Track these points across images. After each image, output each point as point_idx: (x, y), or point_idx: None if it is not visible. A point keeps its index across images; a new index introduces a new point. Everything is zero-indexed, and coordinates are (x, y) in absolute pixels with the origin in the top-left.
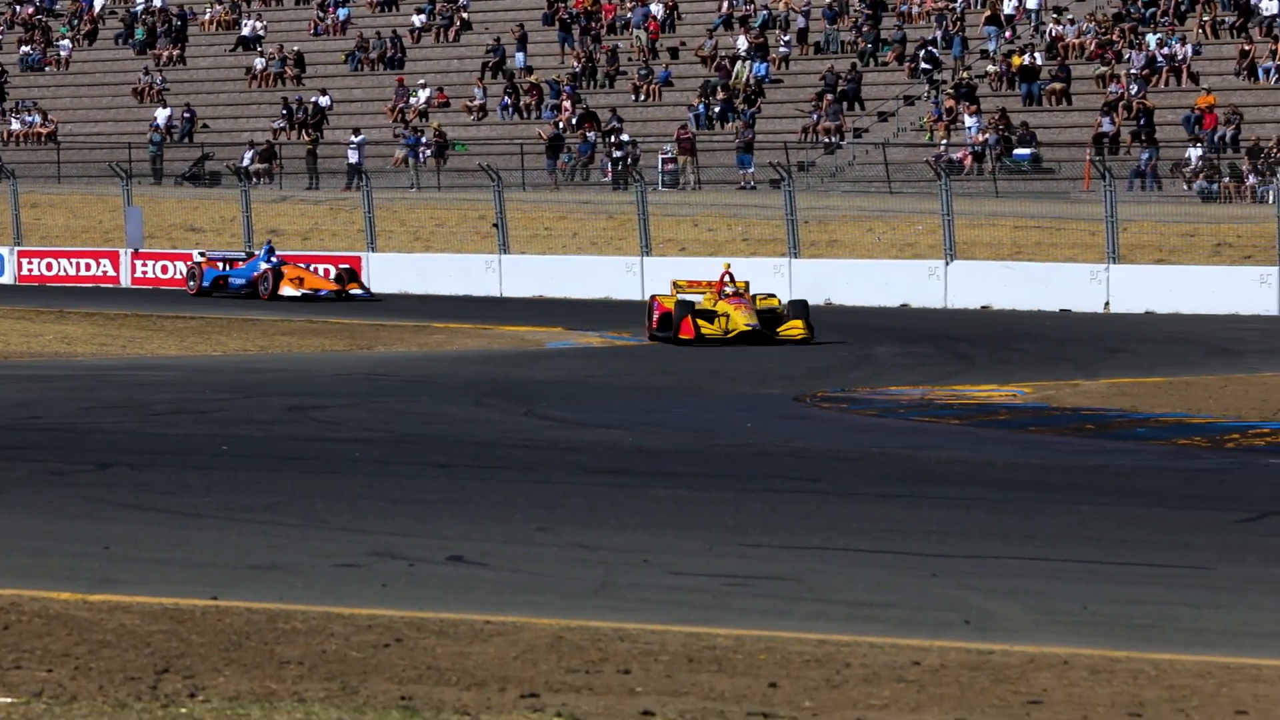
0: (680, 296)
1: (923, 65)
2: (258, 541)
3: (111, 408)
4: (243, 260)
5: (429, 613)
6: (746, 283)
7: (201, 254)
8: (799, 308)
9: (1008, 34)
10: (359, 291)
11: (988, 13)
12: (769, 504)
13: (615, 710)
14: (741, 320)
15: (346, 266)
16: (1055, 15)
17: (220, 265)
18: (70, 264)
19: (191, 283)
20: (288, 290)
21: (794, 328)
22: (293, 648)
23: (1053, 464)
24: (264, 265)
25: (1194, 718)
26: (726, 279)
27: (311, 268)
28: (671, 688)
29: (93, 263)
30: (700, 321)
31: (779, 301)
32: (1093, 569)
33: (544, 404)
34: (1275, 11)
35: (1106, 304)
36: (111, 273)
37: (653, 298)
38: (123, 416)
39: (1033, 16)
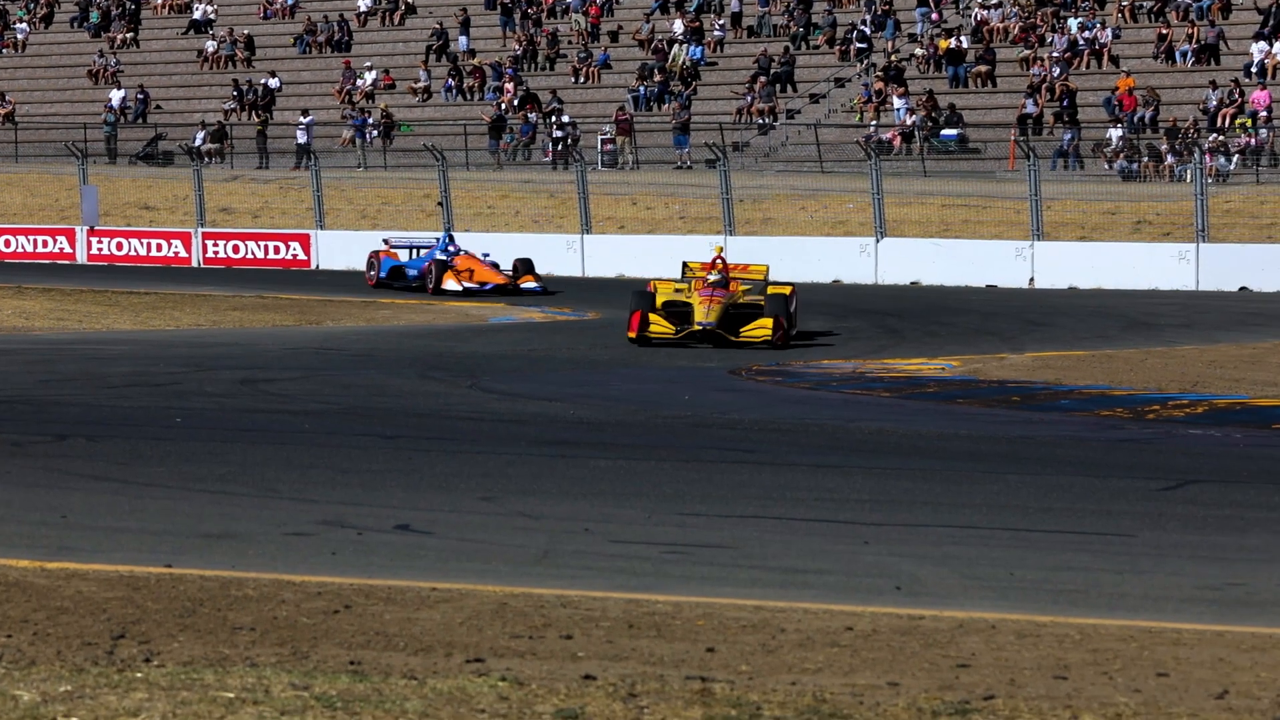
0: (659, 287)
1: (857, 45)
2: (211, 510)
3: (68, 380)
4: (429, 248)
5: (377, 580)
6: (766, 266)
7: (385, 241)
8: (776, 304)
9: (935, 15)
10: (532, 285)
11: None
12: (706, 474)
13: (558, 674)
14: (696, 317)
15: (525, 257)
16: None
17: (407, 253)
18: (28, 241)
19: (370, 273)
20: (450, 284)
21: (759, 328)
22: (245, 614)
23: (980, 435)
24: (439, 255)
25: (1117, 679)
26: (718, 263)
27: (489, 259)
28: (612, 652)
29: (49, 240)
30: (653, 318)
31: (789, 290)
32: (1019, 536)
33: (488, 377)
34: None
35: (1031, 280)
36: (68, 249)
37: (650, 284)
38: (79, 389)
39: (959, 1)
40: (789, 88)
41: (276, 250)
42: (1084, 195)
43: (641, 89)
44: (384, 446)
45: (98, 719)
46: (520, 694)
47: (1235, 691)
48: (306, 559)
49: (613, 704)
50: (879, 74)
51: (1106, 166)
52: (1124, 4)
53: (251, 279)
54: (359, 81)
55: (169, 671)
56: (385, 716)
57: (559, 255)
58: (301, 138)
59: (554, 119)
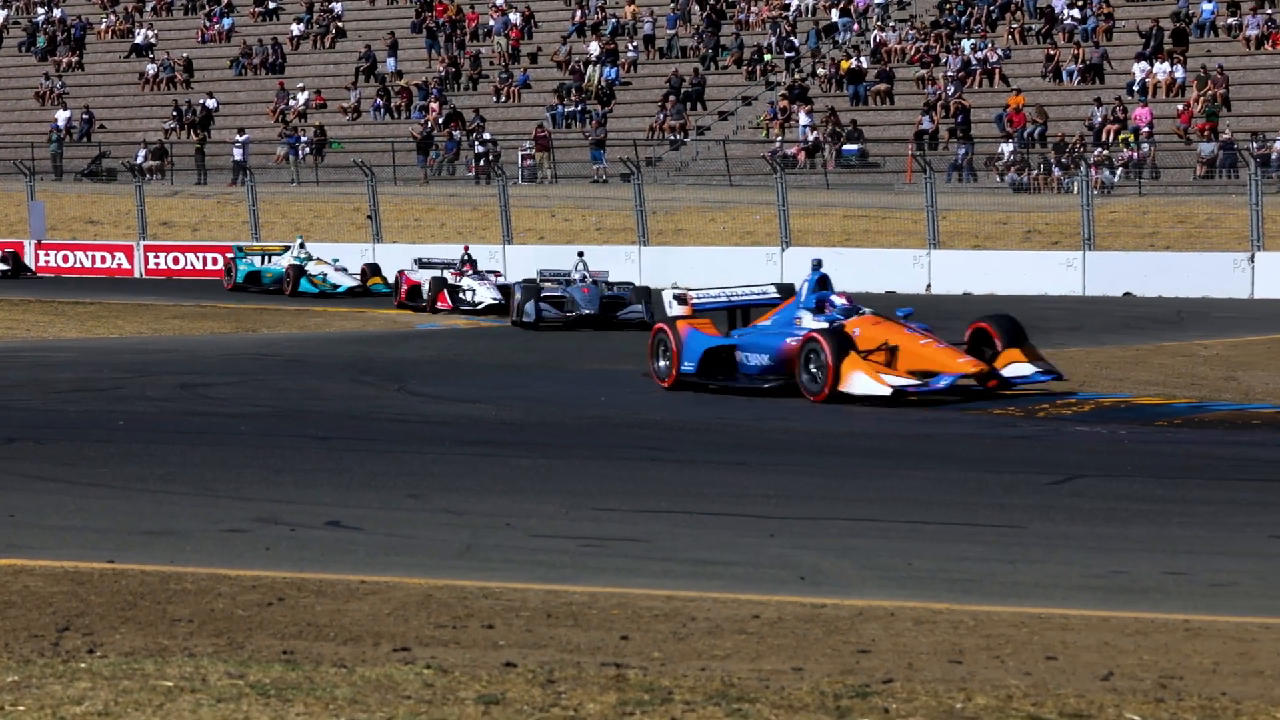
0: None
1: (787, 55)
2: (151, 509)
3: (16, 386)
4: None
5: (309, 574)
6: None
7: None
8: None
9: (856, 26)
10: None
11: (832, 17)
12: (621, 471)
13: (480, 662)
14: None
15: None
16: (880, 23)
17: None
18: None
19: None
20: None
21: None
22: (183, 607)
23: (880, 432)
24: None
25: (1009, 663)
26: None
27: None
28: (532, 641)
29: None
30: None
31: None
32: (916, 528)
33: (415, 381)
34: (1076, 19)
35: (928, 286)
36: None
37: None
38: (27, 394)
39: (860, 22)
40: (699, 106)
41: (214, 261)
42: (977, 206)
43: (559, 107)
44: (316, 447)
45: (44, 708)
46: (444, 681)
47: (1119, 673)
48: (242, 554)
49: (532, 690)
50: (784, 93)
51: (998, 179)
52: (1014, 26)
53: (191, 289)
54: (292, 101)
55: (111, 662)
56: (316, 703)
57: (483, 264)
58: (238, 155)
59: (477, 136)
